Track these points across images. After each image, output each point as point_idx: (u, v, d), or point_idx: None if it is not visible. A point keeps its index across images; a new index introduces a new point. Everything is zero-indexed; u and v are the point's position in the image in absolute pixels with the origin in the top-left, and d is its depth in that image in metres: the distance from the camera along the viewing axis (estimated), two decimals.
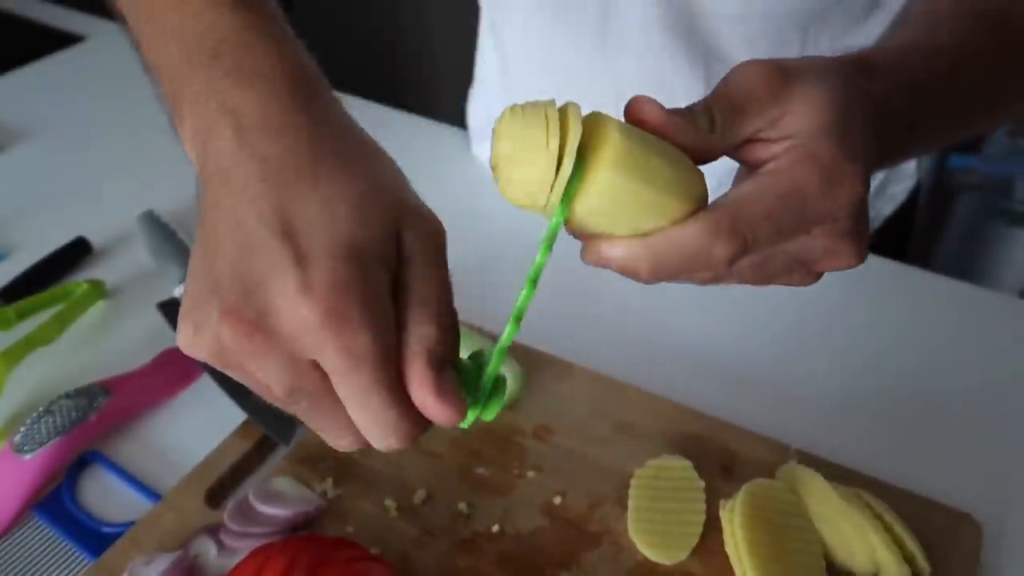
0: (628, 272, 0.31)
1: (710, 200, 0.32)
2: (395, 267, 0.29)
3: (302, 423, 0.50)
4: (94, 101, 0.94)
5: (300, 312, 0.26)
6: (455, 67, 0.87)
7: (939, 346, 0.61)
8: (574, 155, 0.29)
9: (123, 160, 0.84)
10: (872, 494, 0.47)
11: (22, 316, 0.62)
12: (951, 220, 1.60)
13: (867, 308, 0.65)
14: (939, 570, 0.44)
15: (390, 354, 0.27)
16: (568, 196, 0.29)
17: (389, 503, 0.49)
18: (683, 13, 0.61)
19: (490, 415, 0.32)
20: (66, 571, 0.48)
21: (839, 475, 0.48)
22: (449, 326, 0.29)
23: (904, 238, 0.76)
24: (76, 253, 0.70)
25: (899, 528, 0.45)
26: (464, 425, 0.31)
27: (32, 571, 0.48)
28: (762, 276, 0.33)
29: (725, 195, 0.31)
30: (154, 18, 0.35)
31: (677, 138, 0.31)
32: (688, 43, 0.62)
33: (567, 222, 0.31)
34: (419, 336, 0.28)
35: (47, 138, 0.87)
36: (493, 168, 0.30)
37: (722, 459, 0.51)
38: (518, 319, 0.32)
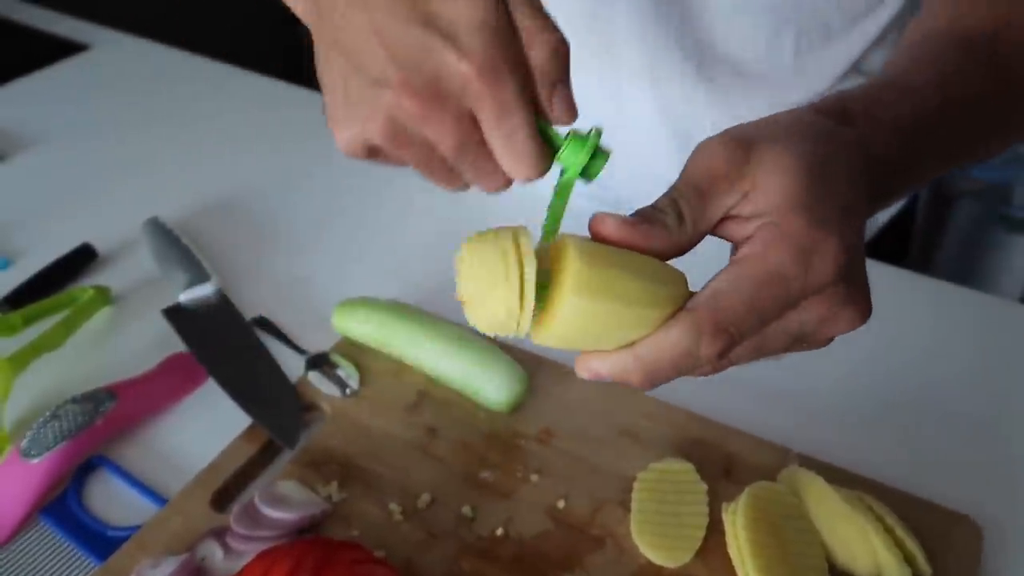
0: (623, 382, 0.32)
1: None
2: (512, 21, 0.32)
3: (306, 427, 0.51)
4: (99, 109, 0.95)
5: (462, 71, 0.31)
6: None
7: (938, 350, 0.61)
8: (532, 295, 0.30)
9: (127, 167, 0.85)
10: (873, 496, 0.47)
11: (28, 322, 0.62)
12: (950, 226, 1.60)
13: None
14: (940, 572, 0.44)
15: (530, 103, 0.32)
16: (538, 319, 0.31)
17: (394, 507, 0.49)
18: (676, 6, 0.61)
19: (594, 173, 0.34)
20: (72, 575, 0.48)
21: (840, 478, 0.49)
22: (557, 46, 0.32)
23: (904, 243, 0.77)
24: (81, 259, 0.71)
25: (900, 530, 0.45)
26: (574, 171, 0.33)
27: (38, 575, 0.48)
28: (767, 354, 0.33)
29: (703, 290, 0.31)
30: None
31: (647, 247, 0.31)
32: (682, 38, 0.63)
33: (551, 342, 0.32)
34: (537, 66, 0.32)
35: (52, 145, 0.88)
36: (462, 304, 0.32)
37: (724, 462, 0.51)
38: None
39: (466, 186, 0.37)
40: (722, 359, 0.31)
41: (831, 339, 0.34)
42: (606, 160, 0.34)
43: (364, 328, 0.59)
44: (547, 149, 0.33)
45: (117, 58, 1.06)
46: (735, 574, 0.45)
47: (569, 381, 0.57)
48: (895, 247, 0.73)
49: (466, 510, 0.49)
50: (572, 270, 0.29)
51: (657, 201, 0.32)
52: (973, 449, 0.54)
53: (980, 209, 1.55)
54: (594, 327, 0.30)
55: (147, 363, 0.60)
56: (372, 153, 0.36)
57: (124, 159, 0.86)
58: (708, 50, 0.63)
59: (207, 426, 0.56)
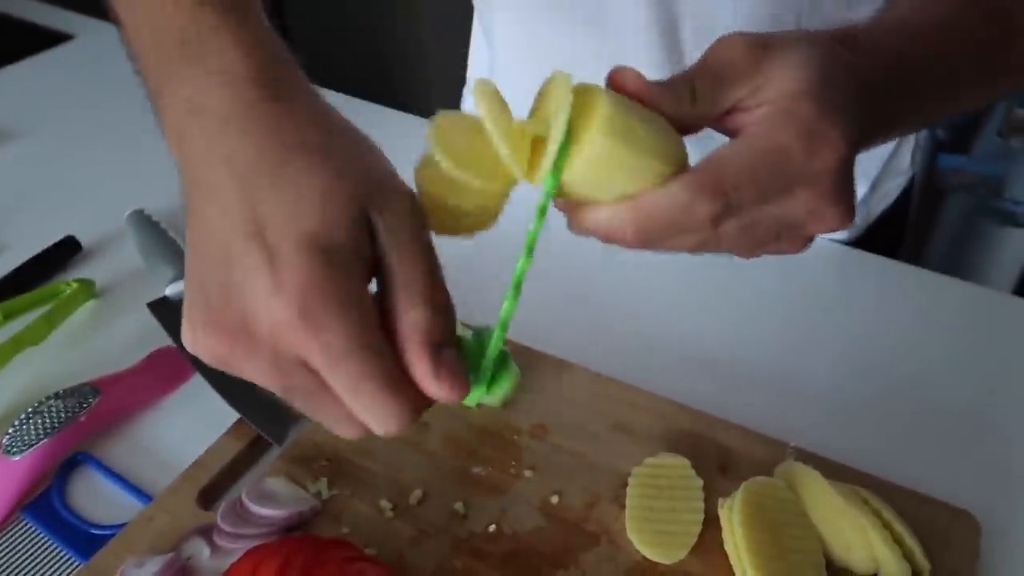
0: (615, 237, 0.32)
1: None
2: (370, 254, 0.28)
3: (295, 423, 0.49)
4: (83, 100, 0.94)
5: (274, 314, 0.26)
6: (448, 66, 0.87)
7: (934, 342, 0.61)
8: (565, 123, 0.30)
9: (112, 159, 0.83)
10: (870, 491, 0.46)
11: (10, 316, 0.61)
12: (942, 219, 1.61)
13: (862, 305, 0.65)
14: (938, 567, 0.44)
15: (373, 343, 0.27)
16: (559, 164, 0.30)
17: (384, 503, 0.48)
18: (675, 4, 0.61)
19: (497, 392, 0.33)
20: (55, 573, 0.47)
21: (837, 472, 0.48)
22: (439, 303, 0.29)
23: (898, 235, 0.76)
24: (65, 252, 0.69)
25: (898, 525, 0.45)
26: (471, 402, 0.32)
27: (21, 573, 0.47)
28: (750, 241, 0.33)
29: (707, 157, 0.32)
30: (134, 9, 0.35)
31: (658, 106, 0.31)
32: (683, 35, 0.62)
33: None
34: (409, 321, 0.28)
35: (35, 137, 0.87)
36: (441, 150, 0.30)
37: (719, 457, 0.51)
38: (517, 287, 0.33)
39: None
40: (714, 225, 0.31)
41: (809, 240, 0.35)
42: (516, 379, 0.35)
43: None
44: (416, 399, 0.29)
45: (102, 48, 1.04)
46: (731, 571, 0.44)
47: (563, 375, 0.56)
48: (889, 240, 0.72)
49: (458, 506, 0.48)
50: (601, 109, 0.30)
51: (673, 76, 0.32)
52: (971, 442, 0.53)
53: (972, 202, 1.55)
54: (603, 172, 0.31)
55: (132, 358, 0.59)
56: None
57: (109, 150, 0.85)
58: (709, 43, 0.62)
59: (193, 422, 0.55)
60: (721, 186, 0.30)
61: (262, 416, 0.53)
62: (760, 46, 0.33)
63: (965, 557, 0.45)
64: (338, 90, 0.91)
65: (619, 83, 0.32)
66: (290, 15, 2.19)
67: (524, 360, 0.56)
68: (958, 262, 1.63)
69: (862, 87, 0.34)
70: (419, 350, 0.28)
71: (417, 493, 0.49)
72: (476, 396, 0.33)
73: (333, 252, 0.26)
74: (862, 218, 0.72)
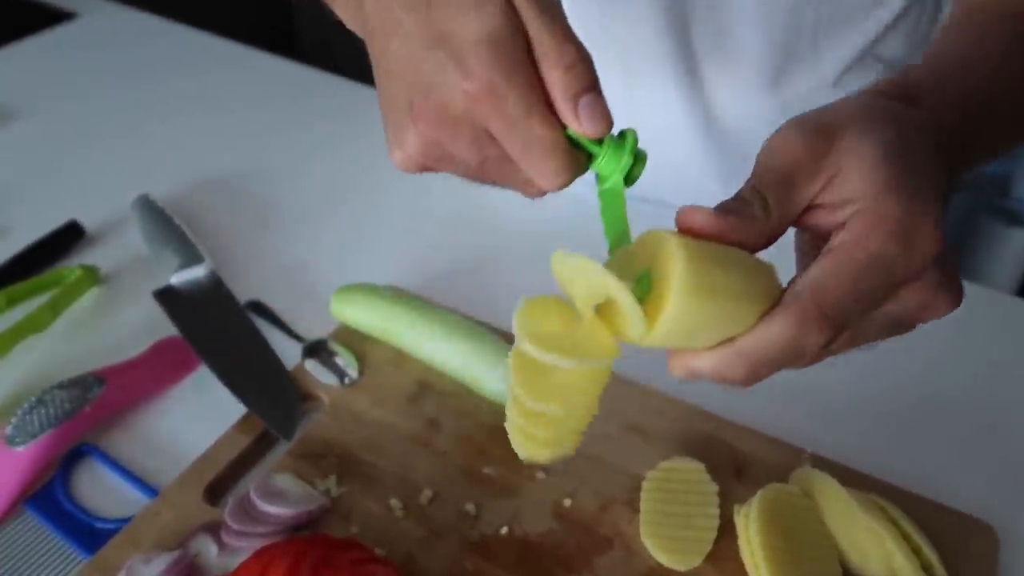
0: (724, 381, 0.31)
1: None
2: (524, 32, 0.33)
3: (303, 417, 0.49)
4: (87, 80, 0.92)
5: (468, 93, 0.32)
6: None
7: (954, 350, 0.60)
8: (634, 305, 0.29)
9: (117, 141, 0.82)
10: (888, 500, 0.46)
11: (12, 302, 0.60)
12: (947, 218, 1.60)
13: None
14: None
15: (538, 107, 0.32)
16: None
17: (395, 503, 0.47)
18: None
19: (638, 169, 0.33)
20: (59, 567, 0.46)
21: (853, 480, 0.48)
22: (569, 62, 0.32)
23: None
24: (69, 237, 0.68)
25: (916, 536, 0.44)
26: (614, 174, 0.33)
27: (23, 566, 0.46)
28: (859, 344, 0.33)
29: (802, 280, 0.30)
30: None
31: (737, 239, 0.30)
32: (696, 26, 0.61)
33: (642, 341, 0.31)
34: (551, 82, 0.32)
35: (38, 118, 0.85)
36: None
37: (734, 462, 0.50)
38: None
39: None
40: (826, 347, 0.30)
41: (920, 323, 0.34)
42: (645, 163, 0.33)
43: (363, 315, 0.57)
44: (571, 159, 0.33)
45: (106, 27, 1.02)
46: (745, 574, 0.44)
47: None
48: None
49: (469, 507, 0.47)
50: (679, 270, 0.28)
51: (741, 192, 0.31)
52: (989, 452, 0.53)
53: (977, 201, 1.54)
54: (698, 324, 0.29)
55: (137, 347, 0.58)
56: (424, 169, 0.37)
57: (113, 132, 0.83)
58: (727, 34, 0.61)
59: (200, 414, 0.54)
60: (825, 314, 0.29)
61: (270, 410, 0.52)
62: (821, 137, 0.31)
63: (983, 569, 0.45)
64: (346, 76, 0.90)
65: (689, 228, 0.30)
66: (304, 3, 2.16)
67: None
68: (962, 260, 1.63)
69: (934, 137, 0.33)
70: (561, 102, 0.32)
71: (427, 493, 0.48)
72: (618, 167, 0.33)
73: (499, 40, 0.32)
74: None
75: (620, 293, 0.28)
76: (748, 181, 0.31)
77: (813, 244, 0.35)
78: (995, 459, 0.52)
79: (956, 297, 0.32)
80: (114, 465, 0.51)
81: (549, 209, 0.73)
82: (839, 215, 0.31)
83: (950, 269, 0.32)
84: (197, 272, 0.63)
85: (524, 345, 0.30)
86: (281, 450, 0.51)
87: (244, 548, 0.44)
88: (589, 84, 0.32)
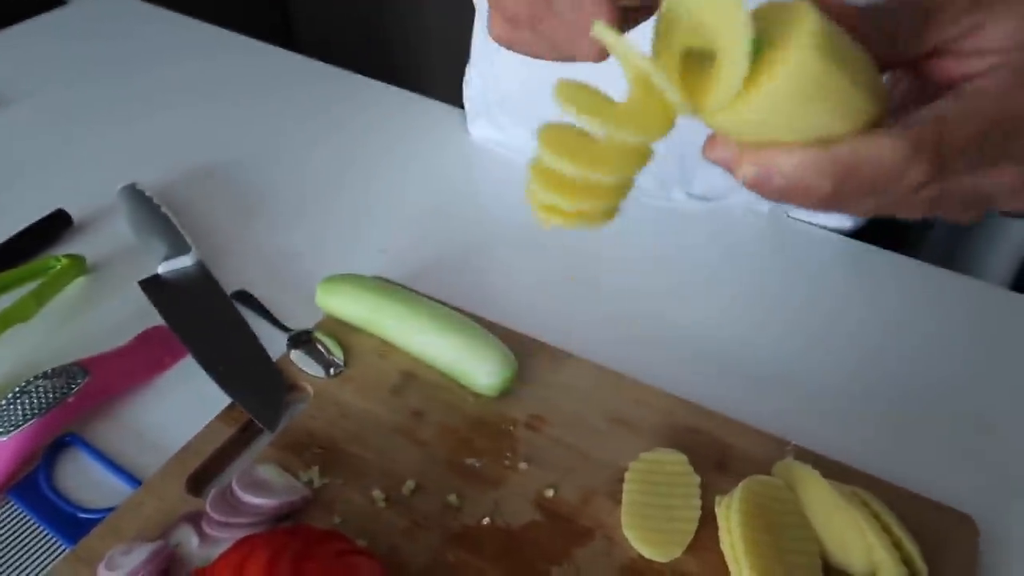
0: (801, 190, 0.27)
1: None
2: None
3: (287, 407, 0.49)
4: (77, 67, 0.91)
5: None
6: (450, 44, 0.85)
7: (940, 341, 0.60)
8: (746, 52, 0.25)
9: (106, 130, 0.81)
10: (870, 493, 0.46)
11: None
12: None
13: (865, 300, 0.64)
14: (936, 571, 0.43)
15: None
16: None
17: (377, 494, 0.47)
18: None
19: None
20: (42, 556, 0.46)
21: (836, 472, 0.48)
22: None
23: (900, 227, 0.75)
24: (55, 226, 0.68)
25: (897, 528, 0.44)
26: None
27: (7, 555, 0.46)
28: (935, 209, 0.30)
29: (928, 109, 0.27)
30: None
31: (865, 33, 0.27)
32: None
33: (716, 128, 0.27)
34: None
35: (25, 104, 0.85)
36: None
37: (717, 453, 0.50)
38: None
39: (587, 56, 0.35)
40: (917, 190, 0.27)
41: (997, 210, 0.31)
42: None
43: (348, 306, 0.56)
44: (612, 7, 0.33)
45: (98, 14, 1.02)
46: (727, 570, 0.44)
47: (562, 365, 0.55)
48: (892, 228, 0.70)
49: (452, 498, 0.47)
50: (811, 27, 0.24)
51: (873, 5, 0.28)
52: (970, 444, 0.53)
53: None
54: (809, 102, 0.25)
55: (123, 336, 0.58)
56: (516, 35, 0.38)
57: (102, 120, 0.83)
58: None
59: (185, 404, 0.54)
60: (945, 150, 0.26)
61: (254, 400, 0.52)
62: None
63: (964, 561, 0.45)
64: (337, 65, 0.89)
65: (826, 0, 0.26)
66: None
67: (523, 349, 0.55)
68: (954, 252, 1.62)
69: None
70: None
71: (410, 484, 0.48)
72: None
73: None
74: None
75: (740, 20, 0.24)
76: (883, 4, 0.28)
77: (919, 96, 0.31)
78: (979, 452, 0.52)
79: None
80: (98, 455, 0.51)
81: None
82: (974, 65, 0.28)
83: None
84: (184, 262, 0.63)
85: (576, 116, 0.27)
86: (265, 440, 0.51)
87: (225, 539, 0.44)
88: None
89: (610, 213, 0.31)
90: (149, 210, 0.67)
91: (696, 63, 0.28)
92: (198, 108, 0.85)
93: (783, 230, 0.70)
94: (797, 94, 0.25)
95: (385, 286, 0.57)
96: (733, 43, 0.25)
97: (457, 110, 0.82)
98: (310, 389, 0.54)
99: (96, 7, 1.03)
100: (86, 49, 0.95)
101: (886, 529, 0.44)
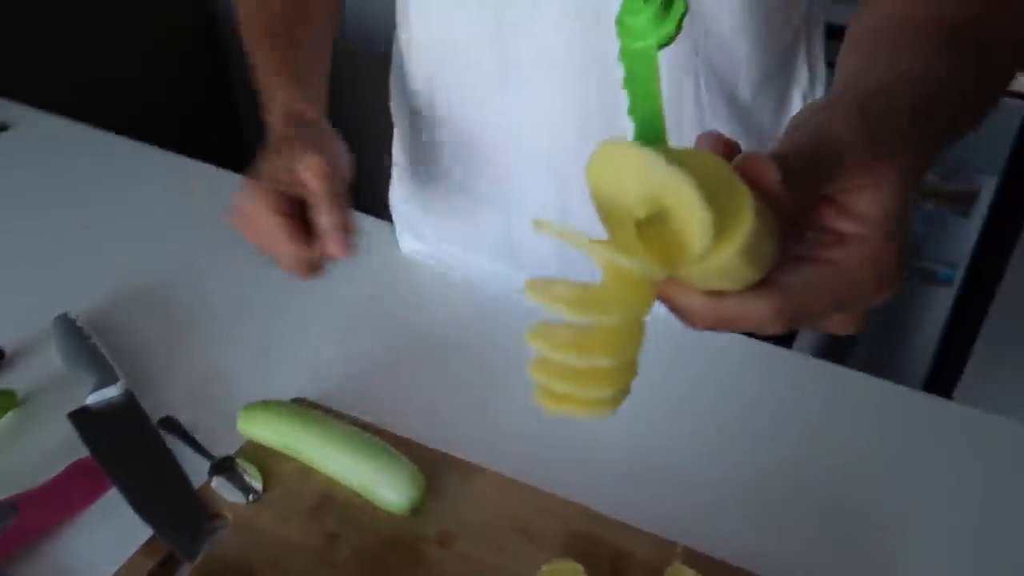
0: (685, 317, 0.34)
1: None
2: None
3: (207, 539, 0.52)
4: (13, 193, 0.95)
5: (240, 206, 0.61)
6: (376, 160, 0.90)
7: (835, 440, 0.64)
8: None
9: (39, 257, 0.84)
10: None
11: None
12: None
13: (769, 401, 0.68)
14: None
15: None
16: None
17: None
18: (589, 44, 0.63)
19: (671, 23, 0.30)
20: None
21: (723, 572, 0.51)
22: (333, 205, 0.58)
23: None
24: None
25: None
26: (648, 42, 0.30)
27: None
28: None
29: (798, 276, 0.33)
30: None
31: (783, 205, 0.32)
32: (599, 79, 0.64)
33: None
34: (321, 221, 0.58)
35: None
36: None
37: (613, 559, 0.54)
38: None
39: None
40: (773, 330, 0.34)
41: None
42: (683, 13, 0.30)
43: (267, 432, 0.60)
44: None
45: (37, 139, 1.06)
46: None
47: (470, 478, 0.59)
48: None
49: None
50: (746, 231, 0.29)
51: (792, 156, 0.32)
52: (863, 541, 0.57)
53: None
54: (720, 276, 0.30)
55: (52, 469, 0.60)
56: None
57: (36, 248, 0.86)
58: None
59: (111, 537, 0.56)
60: (800, 312, 0.33)
61: (174, 532, 0.55)
62: (874, 140, 0.33)
63: None
64: None
65: (754, 175, 0.31)
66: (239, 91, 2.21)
67: (433, 464, 0.59)
68: (889, 321, 1.70)
69: (920, 169, 0.36)
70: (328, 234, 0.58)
71: None
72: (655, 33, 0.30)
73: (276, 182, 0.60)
74: None
75: (693, 198, 0.27)
76: (792, 146, 0.33)
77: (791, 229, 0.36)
78: (862, 545, 0.56)
79: (894, 291, 0.36)
80: None
81: (455, 308, 0.78)
82: (845, 225, 0.34)
83: (902, 276, 0.35)
84: (112, 392, 0.65)
85: (566, 314, 0.30)
86: (186, 572, 0.54)
87: None
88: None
89: (621, 396, 0.33)
90: (79, 340, 0.70)
91: (647, 225, 0.31)
92: (132, 230, 0.89)
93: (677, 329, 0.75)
94: (738, 260, 0.29)
95: (302, 411, 0.61)
96: (691, 221, 0.28)
97: (386, 223, 0.87)
98: (230, 516, 0.56)
99: (37, 132, 1.07)
100: (23, 176, 0.98)
101: None
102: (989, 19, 0.45)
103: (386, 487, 0.55)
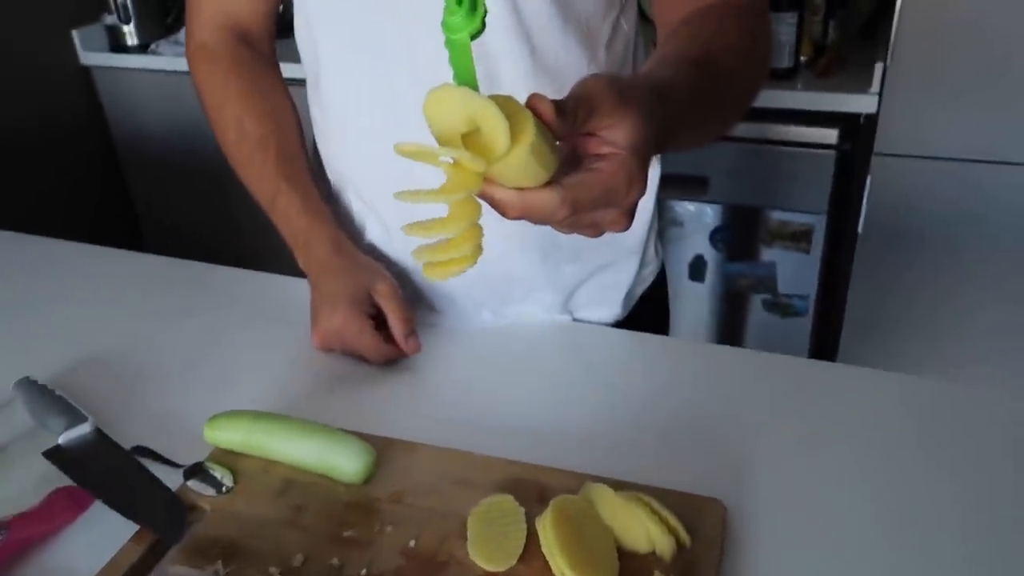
0: (499, 208, 0.49)
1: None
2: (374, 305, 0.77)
3: (190, 523, 0.61)
4: None
5: (327, 328, 0.84)
6: None
7: (673, 394, 0.80)
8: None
9: None
10: (647, 495, 0.62)
11: None
12: (747, 316, 1.90)
13: (631, 374, 0.83)
14: (697, 538, 0.60)
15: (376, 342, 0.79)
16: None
17: (273, 570, 0.59)
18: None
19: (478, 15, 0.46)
20: None
21: (621, 487, 0.64)
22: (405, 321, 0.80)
23: (661, 313, 0.98)
24: None
25: (665, 513, 0.60)
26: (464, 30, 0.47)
27: None
28: (574, 230, 0.53)
29: (575, 176, 0.50)
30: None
31: (557, 130, 0.49)
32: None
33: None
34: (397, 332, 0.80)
35: None
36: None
37: (538, 491, 0.65)
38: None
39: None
40: (567, 219, 0.50)
41: (629, 213, 0.54)
42: (484, 20, 0.46)
43: (231, 435, 0.69)
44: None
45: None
46: (550, 569, 0.58)
47: (414, 454, 0.70)
48: (653, 317, 0.93)
49: (334, 561, 0.59)
50: (529, 138, 0.46)
51: (564, 102, 0.49)
52: (719, 447, 0.71)
53: (759, 300, 1.85)
54: (517, 171, 0.47)
55: (37, 498, 0.67)
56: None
57: None
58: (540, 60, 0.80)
59: (97, 544, 0.63)
60: (576, 201, 0.49)
61: (159, 521, 0.63)
62: (619, 95, 0.50)
63: (715, 530, 0.62)
64: (194, 258, 1.05)
65: (534, 107, 0.47)
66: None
67: (379, 446, 0.69)
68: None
69: (662, 127, 0.54)
70: (403, 339, 0.80)
71: (299, 557, 0.60)
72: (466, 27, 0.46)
73: (355, 304, 0.78)
74: (626, 303, 0.93)
75: (494, 113, 0.45)
76: (567, 97, 0.49)
77: (572, 155, 0.52)
78: (723, 451, 0.71)
79: (630, 222, 0.54)
80: None
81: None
82: (604, 148, 0.51)
83: (643, 184, 0.52)
84: (83, 429, 0.73)
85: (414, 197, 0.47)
86: (174, 552, 0.62)
87: None
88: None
89: (477, 251, 0.51)
90: (44, 396, 0.77)
91: (467, 138, 0.47)
92: (86, 314, 0.97)
93: (569, 329, 0.90)
94: (515, 167, 0.47)
95: (261, 414, 0.71)
96: (495, 128, 0.45)
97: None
98: (207, 507, 0.65)
99: None
100: None
101: (656, 514, 0.60)
102: (726, 61, 0.67)
103: (341, 458, 0.66)
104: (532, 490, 0.66)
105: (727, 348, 0.87)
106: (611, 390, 0.80)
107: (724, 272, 1.85)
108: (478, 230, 0.51)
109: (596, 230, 0.53)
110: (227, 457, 0.70)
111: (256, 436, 0.69)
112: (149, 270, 1.06)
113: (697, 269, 1.86)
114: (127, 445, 0.73)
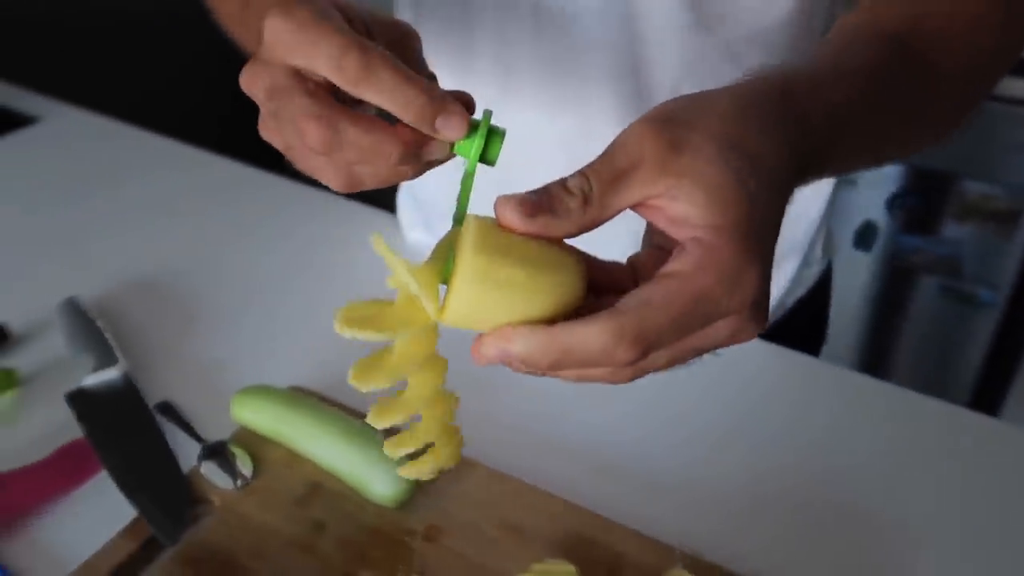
0: (529, 364, 0.32)
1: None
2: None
3: (191, 523, 0.49)
4: (38, 184, 0.96)
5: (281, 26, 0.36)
6: None
7: (837, 443, 0.61)
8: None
9: (53, 243, 0.85)
10: None
11: None
12: (912, 302, 1.63)
13: (771, 405, 0.65)
14: None
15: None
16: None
17: None
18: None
19: (495, 149, 0.36)
20: None
21: None
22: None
23: (817, 326, 0.77)
24: None
25: None
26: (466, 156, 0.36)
27: None
28: (668, 366, 0.34)
29: (633, 297, 0.31)
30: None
31: (546, 235, 0.32)
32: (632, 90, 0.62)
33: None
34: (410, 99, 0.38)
35: None
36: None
37: (609, 562, 0.51)
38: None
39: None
40: (633, 365, 0.32)
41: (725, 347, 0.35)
42: (502, 141, 0.35)
43: (259, 418, 0.58)
44: None
45: (66, 133, 1.07)
46: None
47: (460, 474, 0.56)
48: (805, 331, 0.73)
49: None
50: (463, 260, 0.32)
51: (567, 179, 0.32)
52: (864, 550, 0.53)
53: (935, 284, 1.57)
54: (484, 311, 0.32)
55: (46, 450, 0.59)
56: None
57: (51, 235, 0.86)
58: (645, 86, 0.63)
59: (97, 519, 0.55)
60: (644, 335, 0.31)
61: (159, 514, 0.53)
62: (673, 145, 0.32)
63: None
64: (272, 170, 0.94)
65: (500, 223, 0.32)
66: None
67: None
68: (929, 342, 1.65)
69: (799, 132, 0.34)
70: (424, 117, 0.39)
71: None
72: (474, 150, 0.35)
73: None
74: (775, 310, 0.74)
75: (409, 282, 0.33)
76: (586, 166, 0.32)
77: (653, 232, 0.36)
78: (876, 556, 0.53)
79: (760, 326, 0.33)
80: (4, 572, 0.52)
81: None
82: (675, 231, 0.32)
83: (765, 306, 0.33)
84: (111, 374, 0.65)
85: (346, 332, 0.37)
86: (167, 556, 0.52)
87: None
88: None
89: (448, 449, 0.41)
90: (84, 323, 0.69)
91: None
92: (145, 219, 0.89)
93: None
94: (472, 311, 0.32)
95: (295, 397, 0.59)
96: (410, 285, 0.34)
97: (390, 215, 0.86)
98: (217, 501, 0.55)
99: (64, 125, 1.08)
100: (49, 167, 0.99)
101: None
102: (946, 39, 0.44)
103: (375, 478, 0.53)
104: (601, 559, 0.51)
105: (881, 384, 0.67)
106: (730, 427, 0.63)
107: (897, 244, 1.58)
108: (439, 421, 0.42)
109: (698, 354, 0.34)
110: (252, 440, 0.59)
111: (285, 427, 0.57)
112: (236, 182, 0.96)
113: (865, 237, 1.59)
114: (157, 396, 0.64)
